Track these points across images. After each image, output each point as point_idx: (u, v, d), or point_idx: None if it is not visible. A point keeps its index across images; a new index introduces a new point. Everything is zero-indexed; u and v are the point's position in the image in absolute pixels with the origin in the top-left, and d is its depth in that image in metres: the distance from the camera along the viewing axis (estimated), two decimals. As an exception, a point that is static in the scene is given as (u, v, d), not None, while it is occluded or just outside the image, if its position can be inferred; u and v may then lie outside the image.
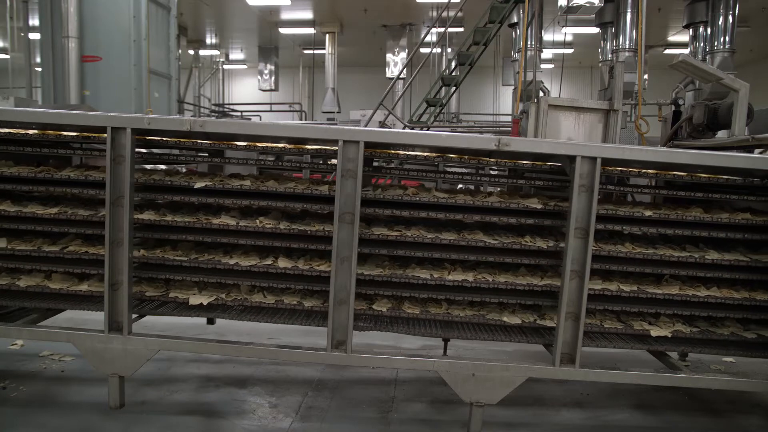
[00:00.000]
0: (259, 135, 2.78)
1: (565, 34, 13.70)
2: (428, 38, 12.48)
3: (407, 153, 2.96)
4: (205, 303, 2.75)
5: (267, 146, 2.91)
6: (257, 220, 2.71)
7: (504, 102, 20.64)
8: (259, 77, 20.42)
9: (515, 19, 11.65)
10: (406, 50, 16.88)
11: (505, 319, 2.76)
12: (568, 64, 14.52)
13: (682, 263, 2.68)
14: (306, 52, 19.91)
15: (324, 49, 17.72)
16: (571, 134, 5.49)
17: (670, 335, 2.72)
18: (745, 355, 2.83)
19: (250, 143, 2.91)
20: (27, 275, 2.85)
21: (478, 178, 3.77)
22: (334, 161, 2.75)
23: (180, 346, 2.83)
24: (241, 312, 2.82)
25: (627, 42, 10.68)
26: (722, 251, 2.73)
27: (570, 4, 10.95)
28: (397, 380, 3.57)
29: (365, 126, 9.01)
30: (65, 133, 2.78)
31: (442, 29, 13.26)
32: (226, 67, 22.93)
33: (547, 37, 14.75)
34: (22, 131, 2.77)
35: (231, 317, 2.79)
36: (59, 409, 3.03)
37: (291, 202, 2.72)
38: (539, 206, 2.67)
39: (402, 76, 12.92)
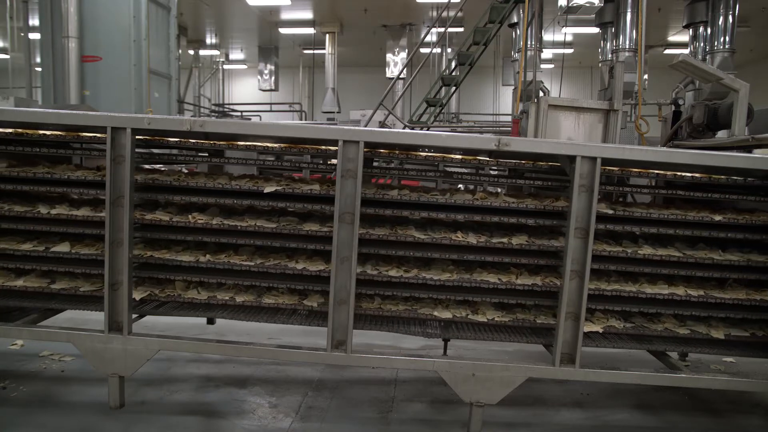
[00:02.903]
0: (259, 135, 2.78)
1: (565, 34, 13.70)
2: (428, 38, 12.48)
3: (407, 153, 2.96)
4: (316, 306, 2.77)
5: (267, 146, 2.91)
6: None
7: (504, 102, 20.64)
8: (259, 77, 20.43)
9: (515, 19, 11.65)
10: (406, 50, 16.89)
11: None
12: (568, 64, 14.51)
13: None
14: (306, 52, 19.91)
15: (324, 49, 17.72)
16: (571, 134, 5.48)
17: (601, 330, 2.74)
18: (744, 355, 2.84)
19: (250, 143, 2.92)
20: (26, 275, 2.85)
21: (479, 177, 3.77)
22: (334, 161, 2.75)
23: (180, 346, 2.83)
24: (306, 316, 2.85)
25: (627, 42, 10.69)
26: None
27: (570, 4, 10.95)
28: (397, 380, 3.57)
29: (365, 126, 9.01)
30: (65, 133, 2.78)
31: (442, 29, 13.27)
32: (226, 67, 22.93)
33: (547, 37, 14.75)
34: (30, 131, 2.78)
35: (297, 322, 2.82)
36: (59, 409, 3.03)
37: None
38: (610, 211, 2.67)
39: (402, 76, 12.92)
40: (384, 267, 2.78)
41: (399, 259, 2.89)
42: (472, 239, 2.71)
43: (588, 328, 2.71)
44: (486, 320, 2.78)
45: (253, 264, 2.72)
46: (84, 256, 2.75)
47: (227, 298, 2.79)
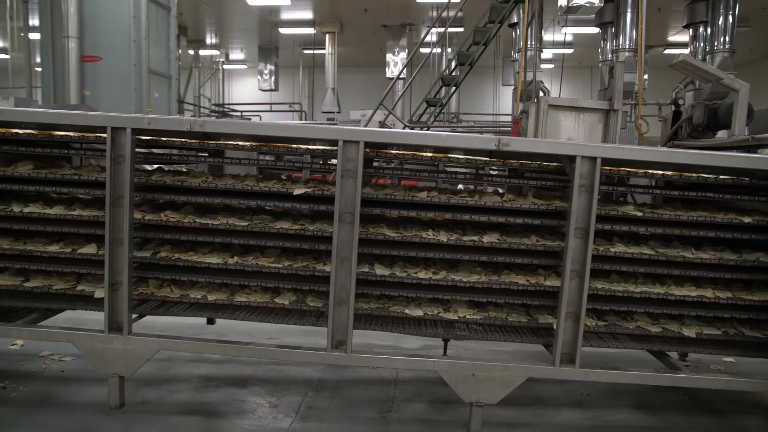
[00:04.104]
0: (259, 135, 2.78)
1: (565, 34, 13.70)
2: (428, 38, 12.47)
3: (407, 153, 2.96)
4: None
5: (267, 146, 2.91)
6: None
7: (504, 102, 20.63)
8: (259, 77, 20.42)
9: (515, 19, 11.65)
10: (406, 50, 16.88)
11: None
12: (568, 64, 14.51)
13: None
14: (306, 52, 19.91)
15: (324, 49, 17.72)
16: (571, 134, 5.48)
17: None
18: (742, 355, 2.85)
19: (249, 143, 2.91)
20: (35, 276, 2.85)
21: (479, 177, 3.77)
22: (334, 161, 2.75)
23: (180, 346, 2.83)
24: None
25: (627, 42, 10.68)
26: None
27: (570, 4, 10.94)
28: (397, 380, 3.57)
29: (365, 126, 9.01)
30: (65, 133, 2.78)
31: (442, 29, 13.26)
32: (226, 67, 22.92)
33: (547, 37, 14.74)
34: (27, 131, 2.77)
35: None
36: (59, 409, 3.03)
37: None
38: (639, 213, 2.68)
39: (402, 76, 12.91)
40: (412, 269, 2.79)
41: (425, 260, 2.91)
42: (493, 239, 2.73)
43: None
44: (489, 320, 2.79)
45: (281, 266, 2.73)
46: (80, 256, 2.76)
47: (263, 300, 2.81)
